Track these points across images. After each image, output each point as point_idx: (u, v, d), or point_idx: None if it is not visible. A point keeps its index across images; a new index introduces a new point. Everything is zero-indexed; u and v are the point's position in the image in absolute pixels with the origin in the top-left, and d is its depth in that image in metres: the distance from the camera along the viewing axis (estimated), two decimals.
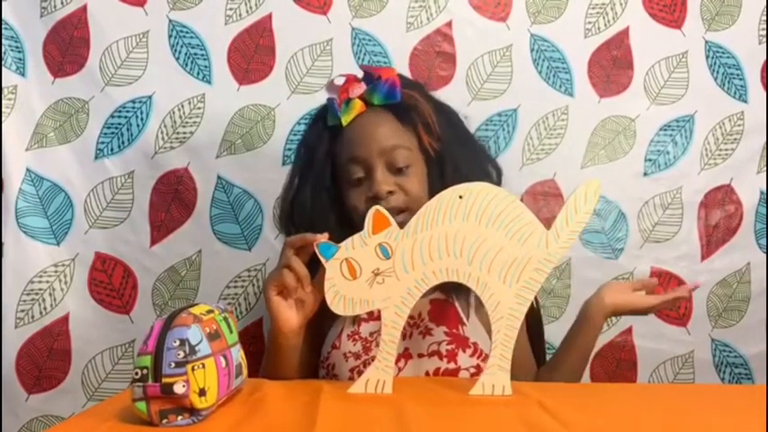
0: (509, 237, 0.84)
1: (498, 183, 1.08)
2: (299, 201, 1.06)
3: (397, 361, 0.99)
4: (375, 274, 0.84)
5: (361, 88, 1.04)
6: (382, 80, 1.02)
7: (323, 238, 0.86)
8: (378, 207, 0.84)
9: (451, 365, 0.99)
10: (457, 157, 1.03)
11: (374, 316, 1.01)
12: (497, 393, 0.83)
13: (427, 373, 0.99)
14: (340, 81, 1.06)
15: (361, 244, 0.84)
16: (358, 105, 1.03)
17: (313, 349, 1.05)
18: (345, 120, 1.03)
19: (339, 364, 1.01)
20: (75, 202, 1.35)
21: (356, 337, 1.02)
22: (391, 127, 1.02)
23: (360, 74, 1.08)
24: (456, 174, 1.00)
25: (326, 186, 1.04)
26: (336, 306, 0.85)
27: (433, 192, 0.99)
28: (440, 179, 1.01)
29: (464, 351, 1.00)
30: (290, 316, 0.92)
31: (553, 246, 0.84)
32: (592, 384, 1.28)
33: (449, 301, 1.06)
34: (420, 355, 1.00)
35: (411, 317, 1.01)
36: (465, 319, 1.04)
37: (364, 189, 1.00)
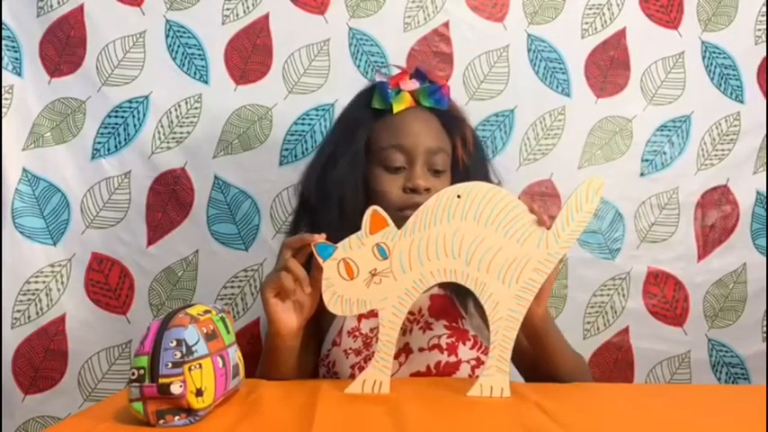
0: (508, 237, 0.83)
1: None
2: (335, 175, 1.04)
3: (398, 356, 1.00)
4: (372, 274, 0.84)
5: (413, 84, 1.06)
6: (435, 84, 1.05)
7: (320, 238, 0.86)
8: (375, 207, 0.84)
9: (452, 359, 0.99)
10: (476, 176, 1.03)
11: (374, 312, 1.01)
12: (495, 395, 0.83)
13: (428, 368, 0.99)
14: (392, 71, 1.06)
15: (359, 244, 0.84)
16: (408, 99, 1.04)
17: (311, 350, 1.05)
18: (397, 108, 1.03)
19: (339, 361, 1.01)
20: (72, 203, 1.35)
21: (356, 333, 1.02)
22: (437, 130, 1.04)
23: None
24: None
25: (361, 165, 1.03)
26: (334, 306, 0.85)
27: None
28: None
29: (464, 344, 1.01)
30: (288, 318, 0.91)
31: (553, 246, 0.83)
32: (589, 384, 1.28)
33: (448, 296, 1.06)
34: (421, 350, 1.01)
35: (411, 312, 1.02)
36: (464, 313, 1.05)
37: (400, 178, 1.01)
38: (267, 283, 0.90)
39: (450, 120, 1.06)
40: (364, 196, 1.02)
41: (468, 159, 1.05)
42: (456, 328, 1.02)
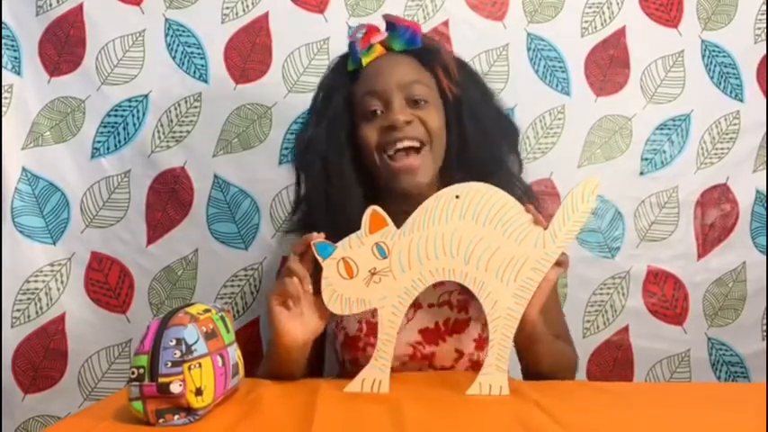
0: (506, 236, 0.84)
1: (515, 143, 1.08)
2: (315, 137, 1.04)
3: (407, 311, 0.98)
4: (372, 273, 0.85)
5: (382, 35, 1.04)
6: (404, 27, 1.03)
7: (319, 237, 0.86)
8: (374, 207, 0.85)
9: (462, 315, 0.99)
10: (474, 106, 1.03)
11: None
12: (495, 393, 0.83)
13: (437, 324, 0.99)
14: (361, 31, 1.04)
15: (358, 243, 0.84)
16: (378, 49, 1.03)
17: (317, 357, 1.05)
18: (366, 60, 1.02)
19: (346, 317, 1.00)
20: (72, 202, 1.35)
21: None
22: (411, 65, 1.02)
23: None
24: (473, 119, 1.01)
25: (343, 125, 1.02)
26: (333, 305, 0.85)
27: (449, 135, 1.01)
28: (457, 123, 1.01)
29: (475, 301, 0.97)
30: (293, 328, 0.89)
31: (550, 245, 0.84)
32: (588, 383, 1.28)
33: None
34: (430, 305, 1.00)
35: None
36: None
37: (379, 121, 0.99)
38: (271, 290, 0.89)
39: (426, 53, 1.03)
40: (353, 155, 1.01)
41: (456, 88, 1.02)
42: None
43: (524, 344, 0.96)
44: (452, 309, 1.00)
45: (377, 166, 1.00)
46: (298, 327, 0.89)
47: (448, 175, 0.97)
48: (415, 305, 1.00)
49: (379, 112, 0.99)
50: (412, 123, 0.98)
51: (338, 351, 1.05)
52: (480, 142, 1.01)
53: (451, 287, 1.00)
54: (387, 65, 1.01)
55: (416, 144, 0.98)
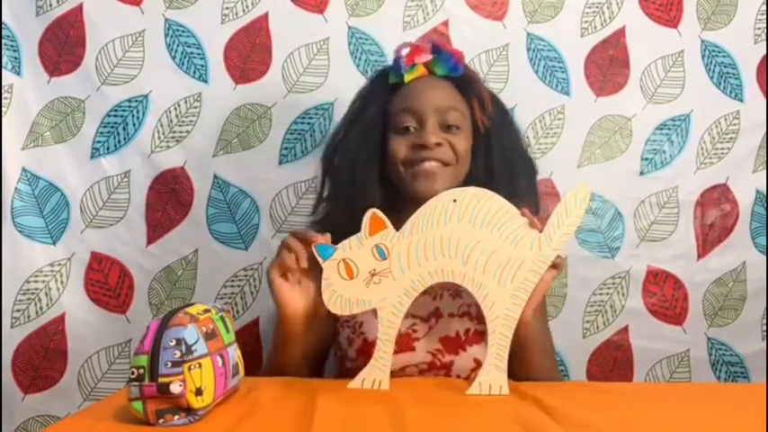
0: (503, 239, 0.86)
1: (534, 181, 1.11)
2: (346, 144, 1.08)
3: (428, 319, 1.01)
4: (372, 274, 0.86)
5: (427, 56, 1.07)
6: (449, 53, 1.07)
7: (324, 239, 0.87)
8: (374, 210, 0.87)
9: (482, 327, 0.99)
10: (503, 142, 1.07)
11: None
12: (494, 393, 0.85)
13: (457, 333, 1.00)
14: (406, 48, 1.08)
15: (358, 245, 0.86)
16: (421, 70, 1.07)
17: (321, 339, 1.05)
18: (408, 78, 1.05)
19: (368, 321, 1.00)
20: (72, 202, 1.35)
21: None
22: (449, 92, 1.06)
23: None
24: (501, 156, 1.05)
25: (374, 136, 1.05)
26: (333, 306, 0.87)
27: (475, 161, 1.05)
28: (483, 156, 1.05)
29: None
30: (293, 299, 0.93)
31: (546, 248, 0.86)
32: (588, 383, 1.28)
33: None
34: (451, 315, 1.01)
35: None
36: None
37: (411, 137, 1.02)
38: (271, 264, 0.93)
39: (465, 83, 1.07)
40: (379, 164, 1.05)
41: (488, 121, 1.06)
42: None
43: (515, 347, 0.96)
44: (472, 320, 1.01)
45: (400, 176, 1.03)
46: (297, 297, 0.93)
47: None
48: (436, 314, 1.01)
49: (412, 128, 1.03)
50: (442, 146, 1.01)
51: (348, 357, 1.04)
52: (505, 175, 1.05)
53: (471, 299, 1.01)
54: (427, 86, 1.05)
55: (441, 165, 1.02)
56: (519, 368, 0.97)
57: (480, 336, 1.00)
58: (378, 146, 1.05)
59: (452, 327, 1.01)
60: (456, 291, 1.03)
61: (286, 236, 0.94)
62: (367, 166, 1.04)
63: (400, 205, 1.00)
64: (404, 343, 0.98)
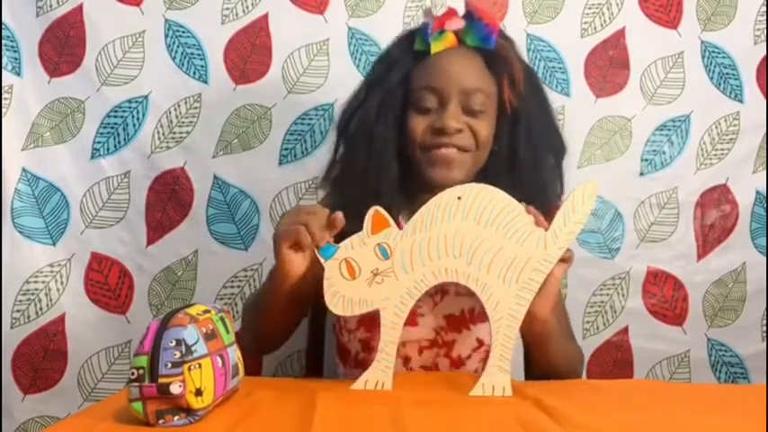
0: (508, 237, 0.84)
1: (561, 158, 1.06)
2: (364, 110, 1.02)
3: (434, 295, 0.98)
4: (374, 274, 0.84)
5: (459, 23, 1.00)
6: (483, 23, 0.99)
7: (338, 219, 0.84)
8: (376, 208, 0.84)
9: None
10: (532, 121, 1.01)
11: None
12: (497, 394, 0.83)
13: (462, 311, 0.98)
14: (439, 11, 1.02)
15: (360, 244, 0.84)
16: (450, 39, 0.99)
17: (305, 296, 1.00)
18: (435, 48, 0.98)
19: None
20: (72, 202, 1.35)
21: None
22: (477, 69, 0.99)
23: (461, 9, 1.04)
24: (528, 138, 1.00)
25: (395, 106, 1.00)
26: (335, 306, 0.85)
27: (498, 144, 1.00)
28: (508, 136, 1.00)
29: None
30: (298, 265, 0.88)
31: (551, 246, 0.84)
32: (588, 382, 1.28)
33: None
34: (457, 293, 0.99)
35: None
36: None
37: (431, 118, 0.97)
38: (284, 235, 0.87)
39: (497, 59, 0.99)
40: (396, 137, 1.00)
41: (516, 100, 0.99)
42: None
43: (535, 343, 0.96)
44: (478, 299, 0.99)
45: (415, 158, 0.99)
46: (302, 264, 0.88)
47: (489, 182, 0.94)
48: (442, 290, 0.99)
49: (433, 108, 0.98)
50: (462, 132, 0.97)
51: (346, 328, 1.02)
52: (530, 156, 1.00)
53: None
54: (454, 62, 0.98)
55: (460, 151, 0.98)
56: (539, 359, 0.97)
57: (485, 316, 0.98)
58: (397, 117, 1.00)
59: (458, 305, 0.99)
60: None
61: (301, 207, 0.90)
62: (385, 138, 0.99)
63: (414, 189, 0.98)
64: (407, 317, 0.94)
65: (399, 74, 1.00)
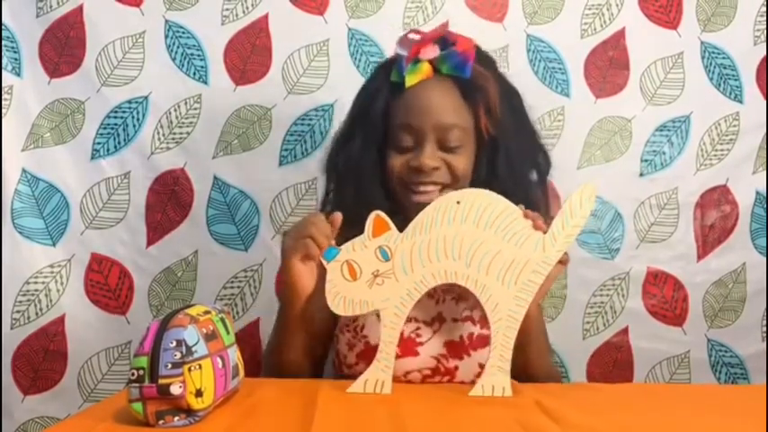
0: (506, 240, 0.85)
1: (546, 173, 1.08)
2: (349, 149, 1.04)
3: (431, 323, 0.99)
4: (375, 275, 0.86)
5: (434, 51, 0.98)
6: (457, 51, 0.98)
7: (336, 220, 0.88)
8: (378, 212, 0.86)
9: (485, 331, 0.98)
10: (511, 146, 1.01)
11: None
12: (497, 395, 0.84)
13: (461, 338, 0.98)
14: (415, 37, 1.00)
15: (362, 246, 0.86)
16: (425, 69, 0.98)
17: (322, 325, 1.02)
18: (409, 81, 0.97)
19: (370, 324, 0.98)
20: (71, 203, 1.35)
21: None
22: (453, 102, 0.98)
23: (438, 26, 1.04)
24: (507, 162, 1.00)
25: (378, 141, 1.01)
26: (336, 306, 0.86)
27: (478, 173, 1.01)
28: (488, 164, 1.00)
29: None
30: (309, 281, 0.92)
31: (550, 249, 0.85)
32: (588, 384, 1.28)
33: None
34: (454, 320, 0.99)
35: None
36: None
37: (409, 157, 0.99)
38: (293, 249, 0.90)
39: (473, 88, 0.98)
40: (381, 170, 1.01)
41: (493, 128, 0.99)
42: None
43: (518, 342, 0.96)
44: (475, 324, 0.99)
45: (396, 190, 1.01)
46: (312, 280, 0.93)
47: None
48: (439, 318, 1.00)
49: (410, 147, 0.99)
50: (439, 169, 0.98)
51: (346, 364, 1.02)
52: (510, 178, 1.00)
53: (473, 304, 1.00)
54: (429, 97, 0.98)
55: (439, 187, 0.99)
56: (517, 357, 0.97)
57: (485, 340, 0.98)
58: (381, 152, 1.02)
59: (456, 331, 0.99)
60: (459, 295, 1.01)
61: (304, 219, 0.92)
62: (371, 175, 1.01)
63: (402, 210, 0.99)
64: (407, 347, 0.96)
65: (380, 109, 1.01)
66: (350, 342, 1.00)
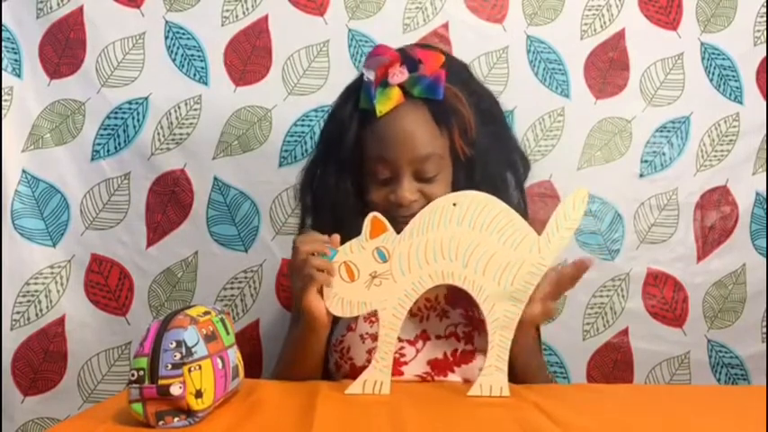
0: (502, 242, 0.86)
1: (525, 177, 1.07)
2: (323, 180, 1.03)
3: (415, 342, 0.99)
4: (372, 276, 0.86)
5: (402, 76, 0.95)
6: (427, 74, 0.95)
7: (335, 241, 0.88)
8: (375, 213, 0.87)
9: (468, 347, 0.99)
10: (487, 159, 1.00)
11: None
12: (495, 394, 0.85)
13: (445, 354, 0.99)
14: (381, 61, 0.96)
15: (359, 248, 0.87)
16: (395, 96, 0.94)
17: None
18: (380, 109, 0.94)
19: (355, 346, 0.99)
20: (72, 204, 1.35)
21: (373, 318, 0.98)
22: (427, 131, 0.96)
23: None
24: (485, 177, 0.98)
25: (353, 172, 1.00)
26: (335, 308, 0.87)
27: (456, 189, 0.97)
28: (468, 181, 0.98)
29: (480, 334, 0.99)
30: (324, 310, 0.90)
31: (545, 251, 0.86)
32: (588, 385, 1.28)
33: None
34: (438, 337, 1.00)
35: (428, 299, 1.01)
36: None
37: (387, 190, 0.97)
38: (304, 289, 0.88)
39: (446, 110, 0.96)
40: (358, 200, 1.00)
41: (469, 149, 0.98)
42: (472, 317, 1.00)
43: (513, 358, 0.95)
44: (459, 340, 1.00)
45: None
46: (323, 302, 0.90)
47: None
48: (423, 336, 1.00)
49: (387, 179, 0.97)
50: (417, 201, 0.96)
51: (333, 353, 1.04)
52: (490, 190, 0.96)
53: (457, 320, 1.01)
54: (402, 127, 0.95)
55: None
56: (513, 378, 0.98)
57: (468, 355, 0.99)
58: (355, 180, 1.00)
59: (440, 348, 0.99)
60: (442, 311, 1.02)
61: (294, 248, 0.91)
62: (348, 212, 0.98)
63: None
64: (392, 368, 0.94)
65: (351, 140, 0.99)
66: (337, 363, 1.01)
